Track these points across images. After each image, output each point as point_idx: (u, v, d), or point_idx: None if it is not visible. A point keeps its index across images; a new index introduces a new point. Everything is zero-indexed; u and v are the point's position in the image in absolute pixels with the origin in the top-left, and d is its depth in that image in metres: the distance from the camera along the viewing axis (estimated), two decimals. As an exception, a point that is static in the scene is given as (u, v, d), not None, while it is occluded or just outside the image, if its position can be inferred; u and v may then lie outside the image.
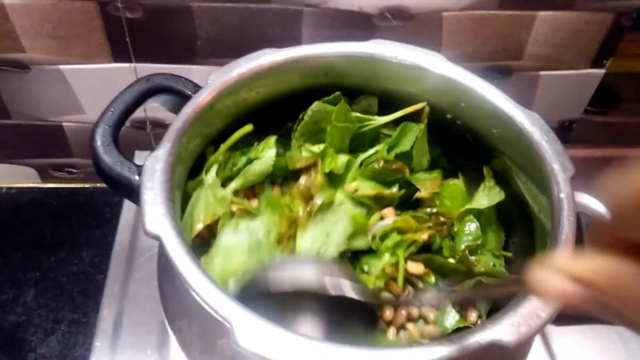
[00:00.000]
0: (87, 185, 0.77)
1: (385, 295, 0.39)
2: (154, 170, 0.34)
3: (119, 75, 0.64)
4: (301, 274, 0.33)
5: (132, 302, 0.50)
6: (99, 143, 0.38)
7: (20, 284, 0.67)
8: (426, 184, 0.44)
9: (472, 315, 0.39)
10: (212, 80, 0.41)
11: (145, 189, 0.33)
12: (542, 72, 0.68)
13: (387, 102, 0.47)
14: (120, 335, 0.48)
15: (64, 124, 0.70)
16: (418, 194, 0.44)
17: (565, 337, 0.47)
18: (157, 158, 0.35)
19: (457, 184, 0.46)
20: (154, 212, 0.32)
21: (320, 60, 0.44)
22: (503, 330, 0.27)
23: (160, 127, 0.71)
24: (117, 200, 0.74)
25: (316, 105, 0.44)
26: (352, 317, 0.34)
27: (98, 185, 0.77)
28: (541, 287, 0.21)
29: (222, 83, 0.41)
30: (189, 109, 0.39)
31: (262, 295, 0.33)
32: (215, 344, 0.33)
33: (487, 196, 0.43)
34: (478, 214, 0.43)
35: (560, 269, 0.21)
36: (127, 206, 0.58)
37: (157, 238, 0.31)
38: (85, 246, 0.70)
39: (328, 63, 0.44)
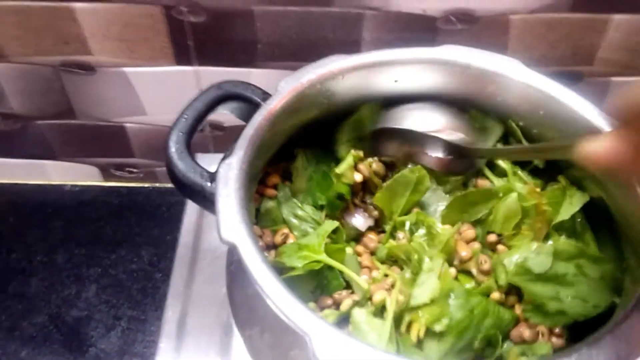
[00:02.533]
0: (146, 185, 0.79)
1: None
2: (227, 177, 0.34)
3: (181, 78, 0.65)
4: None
5: (195, 304, 0.51)
6: (173, 150, 0.38)
7: (83, 280, 0.69)
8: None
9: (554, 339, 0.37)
10: (282, 87, 0.41)
11: (220, 196, 0.33)
12: (613, 78, 0.65)
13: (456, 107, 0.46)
14: (184, 337, 0.48)
15: (126, 124, 0.72)
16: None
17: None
18: (230, 165, 0.35)
19: (561, 188, 0.42)
20: (229, 219, 0.32)
21: (391, 66, 0.43)
22: (602, 355, 0.26)
23: (219, 129, 0.72)
24: (175, 200, 0.75)
25: None
26: None
27: (157, 185, 0.79)
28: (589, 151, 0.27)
29: (292, 90, 0.41)
30: (260, 117, 0.38)
31: None
32: (288, 355, 0.33)
33: (571, 204, 0.41)
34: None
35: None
36: (190, 208, 0.59)
37: (233, 246, 0.31)
38: (144, 245, 0.72)
39: (399, 69, 0.43)
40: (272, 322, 0.34)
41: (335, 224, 0.39)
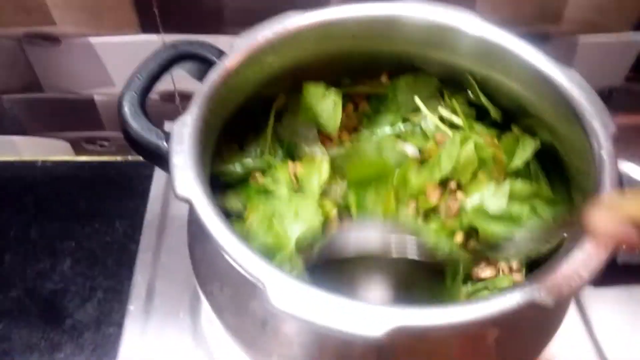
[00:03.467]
0: (118, 158, 0.78)
1: (451, 253, 0.39)
2: (182, 134, 0.34)
3: (148, 46, 0.64)
4: (365, 237, 0.34)
5: (164, 269, 0.51)
6: (126, 109, 0.38)
7: (57, 254, 0.69)
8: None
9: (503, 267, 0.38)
10: (237, 45, 0.40)
11: (175, 152, 0.33)
12: (581, 37, 0.65)
13: (412, 64, 0.46)
14: (154, 300, 0.49)
15: (95, 97, 0.71)
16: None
17: (600, 302, 0.46)
18: (184, 123, 0.35)
19: (514, 136, 0.44)
20: (183, 176, 0.32)
21: (346, 23, 0.43)
22: (542, 290, 0.27)
23: (189, 99, 0.71)
24: (149, 172, 0.75)
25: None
26: (419, 277, 0.35)
27: (130, 158, 0.78)
28: (600, 227, 0.23)
29: (248, 47, 0.40)
30: (215, 74, 0.38)
31: (325, 265, 0.34)
32: (247, 306, 0.33)
33: (524, 150, 0.42)
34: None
35: (616, 208, 0.23)
36: (158, 177, 0.59)
37: (187, 201, 0.31)
38: (118, 217, 0.72)
39: (355, 25, 0.43)
40: (230, 275, 0.34)
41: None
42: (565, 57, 0.67)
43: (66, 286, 0.66)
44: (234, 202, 0.42)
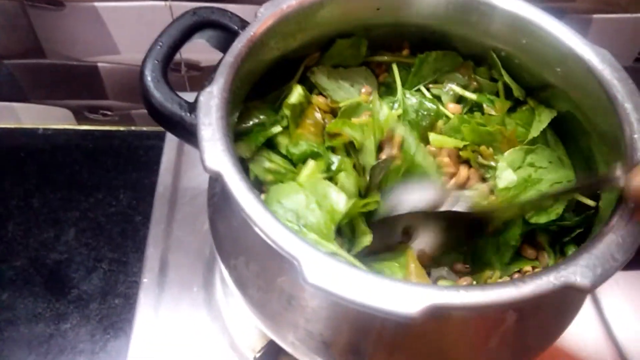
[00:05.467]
0: (121, 128, 0.77)
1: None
2: (209, 106, 0.33)
3: (154, 13, 0.63)
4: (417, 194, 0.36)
5: (176, 241, 0.51)
6: (149, 78, 0.37)
7: (61, 223, 0.68)
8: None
9: (529, 252, 0.39)
10: (262, 14, 0.39)
11: (203, 125, 0.32)
12: (595, 16, 0.65)
13: (434, 38, 0.46)
14: (167, 273, 0.49)
15: (99, 64, 0.69)
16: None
17: (612, 285, 0.47)
18: (211, 94, 0.34)
19: (529, 109, 0.44)
20: (213, 148, 0.31)
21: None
22: (578, 271, 0.27)
23: (196, 69, 0.70)
24: (152, 143, 0.74)
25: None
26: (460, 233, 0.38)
27: (133, 128, 0.77)
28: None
29: (272, 16, 0.39)
30: (240, 44, 0.37)
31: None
32: (275, 282, 0.33)
33: (540, 121, 0.42)
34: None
35: None
36: (168, 148, 0.58)
37: (217, 175, 0.31)
38: (122, 188, 0.71)
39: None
40: (258, 250, 0.34)
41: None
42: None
43: (71, 257, 0.66)
44: (244, 149, 0.40)
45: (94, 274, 0.65)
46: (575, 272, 0.27)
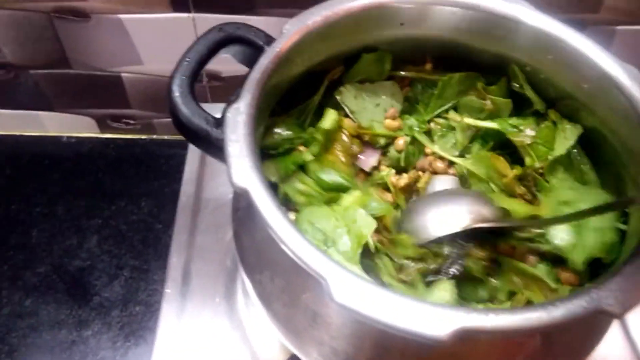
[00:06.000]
0: (143, 137, 0.78)
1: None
2: (236, 122, 0.34)
3: (178, 25, 0.64)
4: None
5: (199, 252, 0.51)
6: (177, 94, 0.37)
7: (84, 231, 0.69)
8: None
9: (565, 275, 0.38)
10: (288, 30, 0.39)
11: (230, 141, 0.33)
12: (618, 27, 0.64)
13: (459, 53, 0.46)
14: (190, 283, 0.49)
15: (122, 74, 0.70)
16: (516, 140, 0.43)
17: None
18: (238, 110, 0.34)
19: (550, 125, 0.43)
20: (240, 165, 0.32)
21: (397, 9, 0.42)
22: (611, 296, 0.26)
23: (217, 79, 0.71)
24: (174, 152, 0.75)
25: None
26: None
27: (154, 137, 0.78)
28: None
29: (298, 32, 0.39)
30: (266, 60, 0.37)
31: None
32: (300, 298, 0.33)
33: (566, 138, 0.41)
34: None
35: None
36: (191, 157, 0.59)
37: (244, 192, 0.31)
38: (144, 196, 0.72)
39: (405, 12, 0.42)
40: (284, 266, 0.34)
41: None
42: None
43: (93, 264, 0.66)
44: (272, 172, 0.41)
45: (116, 282, 0.65)
46: (607, 296, 0.27)
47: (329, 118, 0.42)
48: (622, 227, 0.38)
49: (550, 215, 0.39)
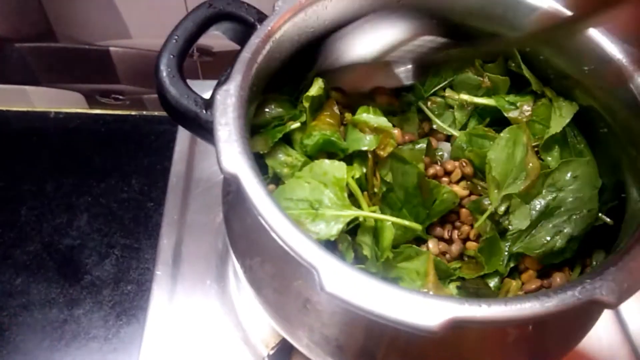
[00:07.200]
0: (133, 113, 0.76)
1: None
2: (225, 105, 0.33)
3: (167, -3, 0.62)
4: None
5: (189, 233, 0.51)
6: (164, 74, 0.36)
7: (73, 209, 0.68)
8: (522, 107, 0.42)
9: (557, 279, 0.38)
10: (280, 7, 0.38)
11: (219, 125, 0.32)
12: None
13: (458, 33, 0.44)
14: (180, 265, 0.48)
15: (110, 48, 0.68)
16: (512, 117, 0.42)
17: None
18: (228, 92, 0.33)
19: (547, 103, 0.42)
20: (229, 150, 0.31)
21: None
22: (604, 286, 0.26)
23: (208, 54, 0.69)
24: (164, 128, 0.73)
25: None
26: None
27: (144, 113, 0.76)
28: None
29: (290, 10, 0.38)
30: (257, 39, 0.36)
31: None
32: (291, 285, 0.33)
33: (561, 116, 0.41)
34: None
35: None
36: (181, 137, 0.57)
37: (234, 177, 0.30)
38: (134, 174, 0.71)
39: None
40: (275, 253, 0.33)
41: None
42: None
43: (83, 242, 0.66)
44: (261, 145, 0.40)
45: (107, 260, 0.65)
46: (601, 286, 0.26)
47: (316, 85, 0.41)
48: (608, 221, 0.38)
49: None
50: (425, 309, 0.26)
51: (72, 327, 0.60)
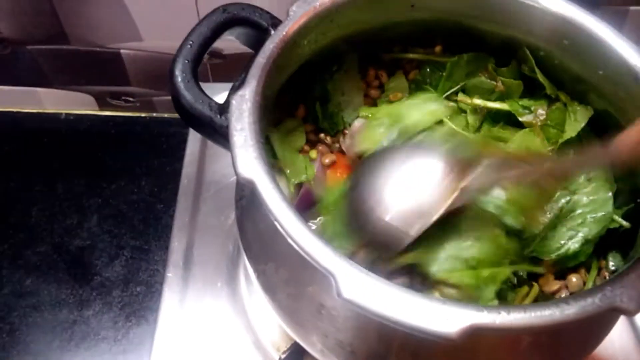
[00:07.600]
0: (143, 115, 0.76)
1: None
2: (241, 110, 0.33)
3: (178, 0, 0.62)
4: None
5: (200, 235, 0.51)
6: (179, 79, 0.36)
7: (84, 210, 0.68)
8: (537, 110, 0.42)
9: (573, 279, 0.37)
10: (294, 12, 0.38)
11: (235, 130, 0.32)
12: (632, 8, 0.62)
13: (470, 36, 0.44)
14: (191, 267, 0.49)
15: (121, 51, 0.68)
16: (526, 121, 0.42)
17: None
18: (243, 97, 0.33)
19: (561, 107, 0.42)
20: (245, 155, 0.31)
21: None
22: (625, 294, 0.26)
23: (219, 57, 0.69)
24: (174, 130, 0.74)
25: None
26: None
27: (154, 115, 0.77)
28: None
29: (305, 15, 0.38)
30: (272, 44, 0.36)
31: None
32: (305, 290, 0.33)
33: (576, 120, 0.40)
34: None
35: None
36: (192, 139, 0.57)
37: (250, 182, 0.30)
38: (144, 176, 0.71)
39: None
40: (290, 258, 0.33)
41: None
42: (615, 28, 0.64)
43: (93, 243, 0.66)
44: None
45: (117, 261, 0.65)
46: (622, 294, 0.26)
47: None
48: (625, 224, 0.38)
49: None
50: (443, 315, 0.26)
51: (81, 328, 0.60)
